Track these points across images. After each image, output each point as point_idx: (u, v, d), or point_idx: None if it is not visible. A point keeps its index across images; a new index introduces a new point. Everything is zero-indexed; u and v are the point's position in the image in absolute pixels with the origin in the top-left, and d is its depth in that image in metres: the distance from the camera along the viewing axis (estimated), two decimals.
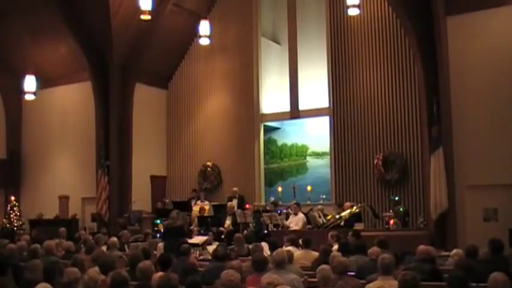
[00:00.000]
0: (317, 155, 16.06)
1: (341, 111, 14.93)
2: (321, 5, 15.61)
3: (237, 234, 10.26)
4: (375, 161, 14.18)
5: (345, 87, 14.91)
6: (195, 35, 16.14)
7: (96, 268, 5.77)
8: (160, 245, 10.09)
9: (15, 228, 16.26)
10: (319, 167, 15.85)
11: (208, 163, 16.86)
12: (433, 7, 12.16)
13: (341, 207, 12.39)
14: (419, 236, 10.83)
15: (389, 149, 14.13)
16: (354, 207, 12.00)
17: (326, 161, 15.59)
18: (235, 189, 14.68)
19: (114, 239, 9.62)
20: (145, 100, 16.96)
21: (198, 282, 5.08)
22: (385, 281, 5.28)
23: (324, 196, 14.57)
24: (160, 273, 5.66)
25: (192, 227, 12.93)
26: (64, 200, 16.84)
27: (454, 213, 11.89)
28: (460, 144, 12.07)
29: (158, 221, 13.85)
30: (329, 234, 9.54)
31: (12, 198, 17.30)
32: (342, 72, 14.99)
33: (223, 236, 12.12)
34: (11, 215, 16.77)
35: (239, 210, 13.30)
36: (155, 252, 9.39)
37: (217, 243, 9.93)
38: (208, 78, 17.23)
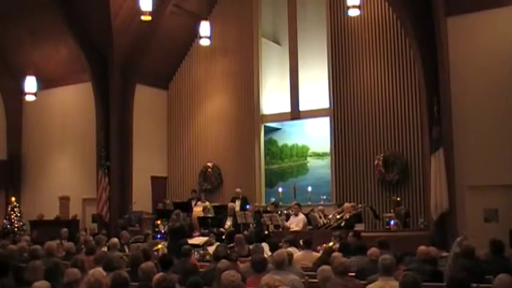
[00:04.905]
0: (317, 155, 16.06)
1: (341, 112, 14.94)
2: (322, 6, 15.62)
3: (237, 235, 10.26)
4: (376, 162, 14.18)
5: (346, 88, 14.92)
6: (196, 35, 16.17)
7: (99, 268, 5.75)
8: (163, 244, 10.26)
9: (15, 229, 16.26)
10: (320, 167, 15.86)
11: (209, 164, 16.86)
12: (433, 8, 12.16)
13: (341, 207, 12.38)
14: (420, 236, 10.82)
15: (389, 149, 14.14)
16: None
17: (326, 161, 15.59)
18: (238, 190, 14.63)
19: (115, 239, 9.63)
20: (146, 101, 16.98)
21: (200, 283, 5.08)
22: (385, 282, 5.27)
23: (325, 197, 14.61)
24: (160, 274, 5.66)
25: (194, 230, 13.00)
26: (64, 200, 16.82)
27: (454, 214, 11.88)
28: (460, 145, 12.07)
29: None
30: (332, 234, 9.57)
31: (13, 199, 17.29)
32: (343, 73, 15.01)
33: (223, 237, 12.11)
34: (12, 216, 16.76)
35: (240, 211, 13.30)
36: (155, 252, 9.42)
37: (218, 243, 9.95)
38: (209, 79, 17.24)
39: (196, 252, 9.95)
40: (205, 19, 15.51)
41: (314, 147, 16.16)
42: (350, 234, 9.29)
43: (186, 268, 6.88)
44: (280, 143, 16.71)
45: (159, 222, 13.68)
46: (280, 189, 15.12)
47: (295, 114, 16.02)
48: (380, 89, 14.42)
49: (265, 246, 8.70)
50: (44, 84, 17.09)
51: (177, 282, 5.58)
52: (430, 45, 12.24)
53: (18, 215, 16.91)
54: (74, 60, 16.67)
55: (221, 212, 13.88)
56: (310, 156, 16.22)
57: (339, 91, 15.02)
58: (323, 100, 15.52)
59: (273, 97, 16.65)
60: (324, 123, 15.54)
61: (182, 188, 17.35)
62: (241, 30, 16.71)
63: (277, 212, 13.02)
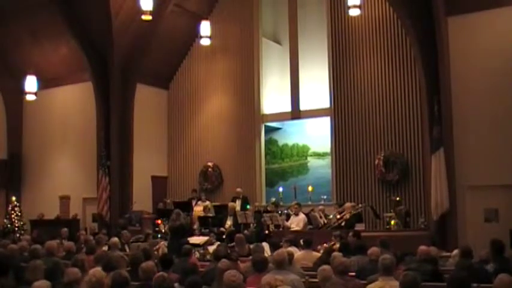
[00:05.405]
0: (318, 155, 16.06)
1: (342, 112, 14.94)
2: (322, 6, 15.62)
3: (238, 235, 10.25)
4: (376, 162, 14.18)
5: (346, 87, 14.92)
6: (196, 35, 16.18)
7: (99, 268, 5.75)
8: (163, 244, 10.28)
9: (16, 229, 16.28)
10: (320, 167, 15.86)
11: (209, 163, 16.86)
12: (433, 8, 12.16)
13: (341, 207, 12.37)
14: (420, 236, 10.81)
15: (390, 149, 14.14)
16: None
17: (327, 161, 15.59)
18: (239, 190, 14.61)
19: (116, 239, 9.64)
20: (146, 100, 16.97)
21: (199, 282, 5.08)
22: (385, 282, 5.27)
23: (325, 196, 14.59)
24: (159, 274, 5.66)
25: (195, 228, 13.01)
26: (65, 200, 16.83)
27: (455, 214, 11.87)
28: (460, 145, 12.06)
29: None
30: (332, 234, 9.57)
31: (13, 198, 17.30)
32: (343, 73, 15.00)
33: (224, 237, 12.11)
34: (12, 215, 16.78)
35: (240, 210, 13.30)
36: (156, 252, 9.44)
37: (218, 243, 9.97)
38: (209, 78, 17.24)
39: (196, 252, 9.96)
40: (206, 19, 15.51)
41: (314, 147, 16.16)
42: (350, 234, 9.29)
43: (186, 268, 6.88)
44: (281, 142, 16.71)
45: (159, 221, 13.70)
46: (280, 189, 15.12)
47: (296, 113, 16.01)
48: (380, 89, 14.42)
49: (265, 245, 8.71)
50: (44, 83, 17.08)
51: (176, 282, 5.59)
52: (431, 45, 12.23)
53: (19, 214, 16.93)
54: (74, 60, 16.67)
55: (221, 211, 13.87)
56: (311, 156, 16.22)
57: (340, 91, 15.01)
58: (323, 100, 15.52)
59: (273, 97, 16.65)
60: (325, 123, 15.53)
61: (182, 188, 17.34)
62: (242, 29, 16.70)
63: (277, 212, 13.02)
